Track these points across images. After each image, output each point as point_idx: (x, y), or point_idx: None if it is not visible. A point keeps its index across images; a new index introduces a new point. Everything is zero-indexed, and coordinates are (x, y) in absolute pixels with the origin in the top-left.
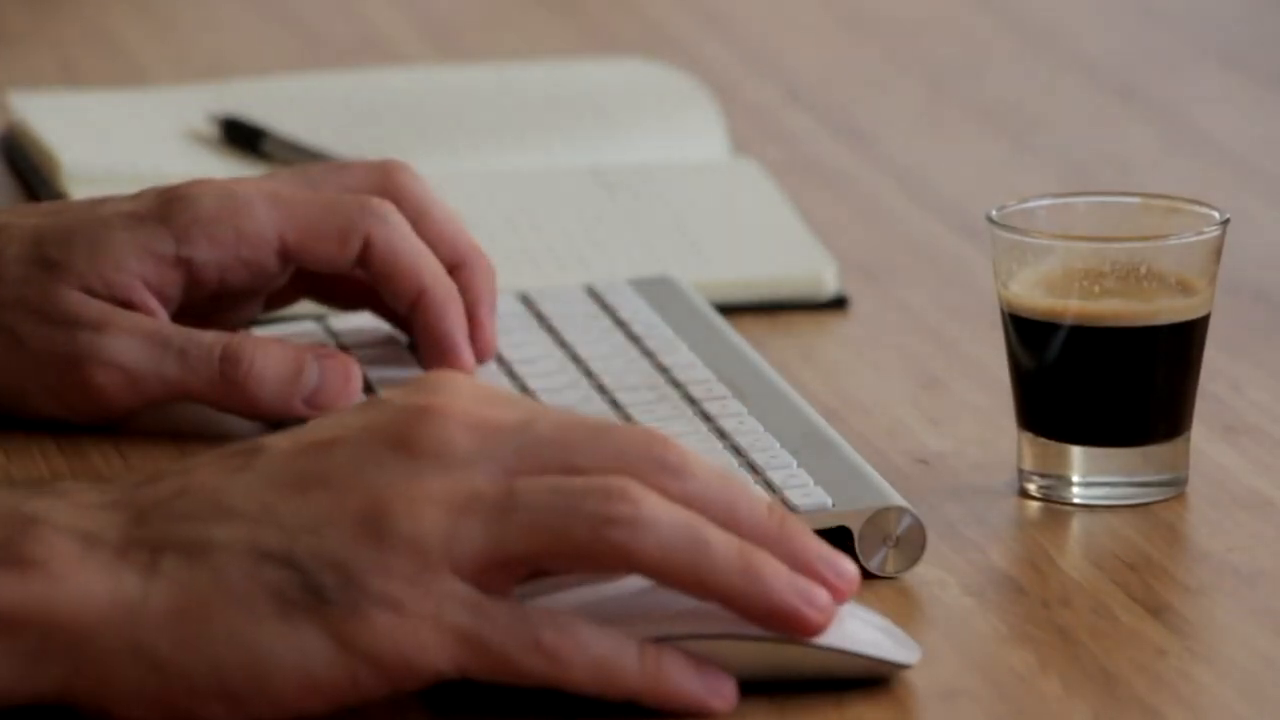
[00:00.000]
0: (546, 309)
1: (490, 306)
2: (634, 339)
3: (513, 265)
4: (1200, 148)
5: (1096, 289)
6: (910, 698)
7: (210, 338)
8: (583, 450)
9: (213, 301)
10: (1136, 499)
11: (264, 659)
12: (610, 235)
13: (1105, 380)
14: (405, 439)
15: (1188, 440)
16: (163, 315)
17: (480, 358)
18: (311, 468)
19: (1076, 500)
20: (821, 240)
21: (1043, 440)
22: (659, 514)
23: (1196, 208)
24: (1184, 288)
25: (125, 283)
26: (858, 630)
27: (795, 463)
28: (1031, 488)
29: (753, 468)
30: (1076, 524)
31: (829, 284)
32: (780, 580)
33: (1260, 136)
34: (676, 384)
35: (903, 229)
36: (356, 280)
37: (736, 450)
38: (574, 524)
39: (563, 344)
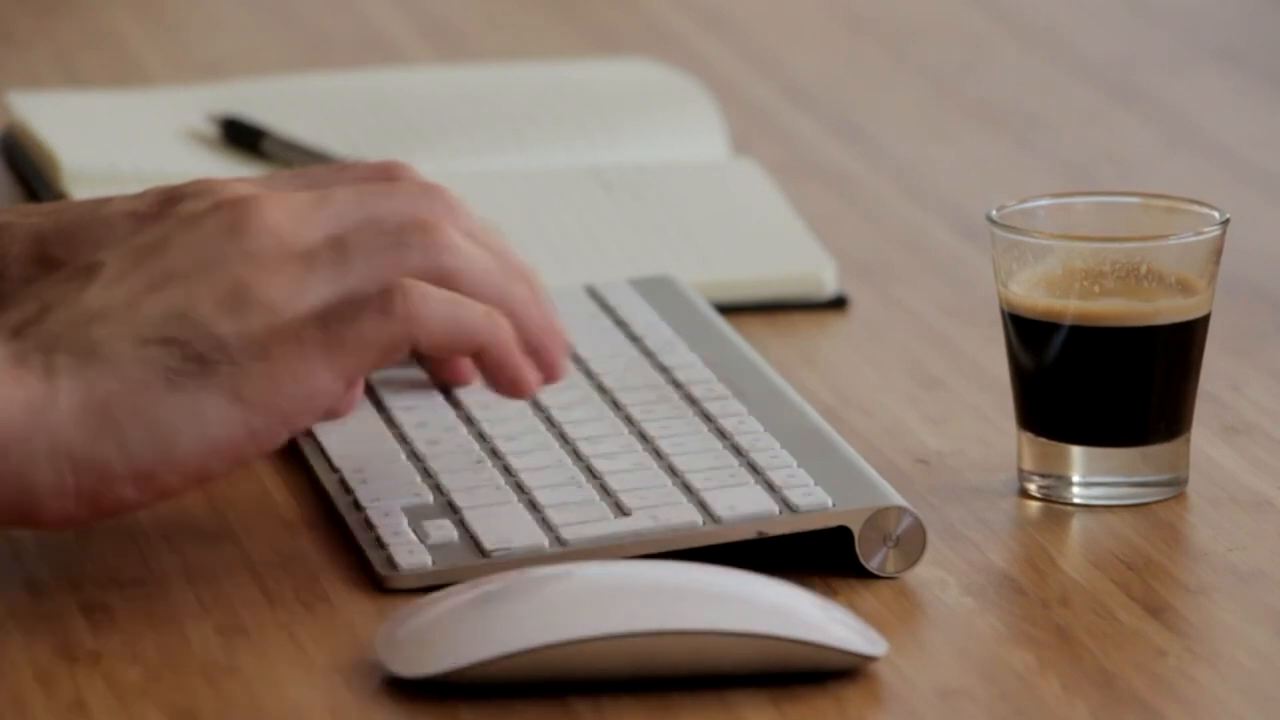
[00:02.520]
0: None
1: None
2: (634, 339)
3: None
4: (1200, 148)
5: (1096, 289)
6: (910, 697)
7: None
8: (380, 204)
9: None
10: (1136, 499)
11: (165, 432)
12: (610, 235)
13: (1105, 380)
14: (232, 226)
15: (1188, 440)
16: None
17: (554, 378)
18: (156, 268)
19: (1076, 500)
20: (821, 240)
21: (1043, 440)
22: (464, 241)
23: (1196, 208)
24: (1184, 288)
25: None
26: (832, 627)
27: (795, 463)
28: (1031, 488)
29: (753, 468)
30: (1076, 524)
31: (829, 284)
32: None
33: (1260, 136)
34: (676, 384)
35: (903, 229)
36: None
37: (736, 450)
38: (408, 255)
39: None
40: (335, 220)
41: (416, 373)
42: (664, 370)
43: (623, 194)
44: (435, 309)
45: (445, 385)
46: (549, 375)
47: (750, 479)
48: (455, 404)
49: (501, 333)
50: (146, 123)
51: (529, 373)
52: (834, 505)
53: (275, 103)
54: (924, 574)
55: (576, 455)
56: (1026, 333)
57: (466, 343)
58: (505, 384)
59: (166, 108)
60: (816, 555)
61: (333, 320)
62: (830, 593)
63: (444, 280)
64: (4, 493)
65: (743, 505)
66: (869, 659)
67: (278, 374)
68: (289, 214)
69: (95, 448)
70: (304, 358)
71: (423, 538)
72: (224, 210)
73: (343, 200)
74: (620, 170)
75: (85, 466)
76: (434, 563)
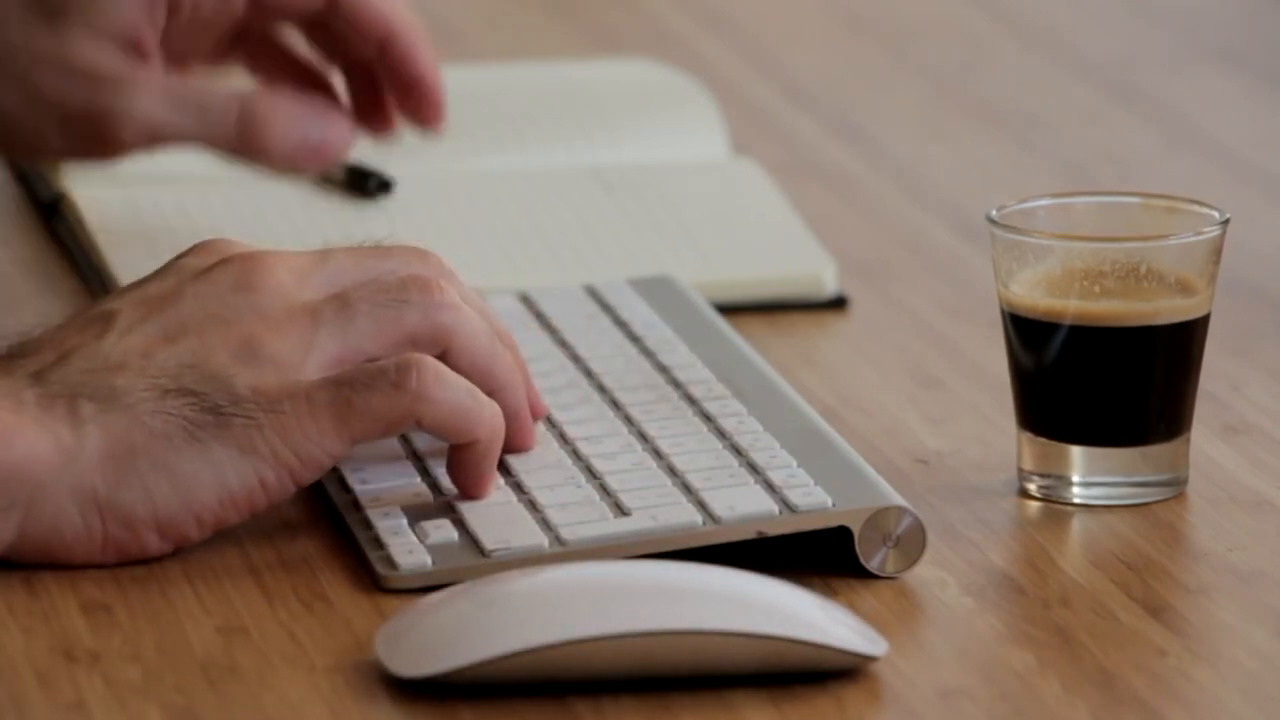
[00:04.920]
0: (546, 309)
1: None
2: (634, 339)
3: (513, 265)
4: (1200, 148)
5: (1096, 289)
6: (910, 697)
7: (227, 94)
8: (378, 263)
9: (180, 37)
10: (1136, 499)
11: (186, 481)
12: (610, 235)
13: (1105, 380)
14: (243, 281)
15: (1188, 440)
16: (159, 60)
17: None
18: (170, 320)
19: (1076, 500)
20: (821, 240)
21: (1043, 440)
22: (460, 301)
23: (1196, 208)
24: (1184, 288)
25: (129, 19)
26: (832, 627)
27: (795, 463)
28: (1031, 488)
29: (753, 468)
30: (1076, 524)
31: (828, 284)
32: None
33: (1260, 136)
34: (676, 384)
35: (903, 229)
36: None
37: (736, 450)
38: (407, 311)
39: (563, 344)
40: (336, 278)
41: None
42: (664, 370)
43: (623, 194)
44: (449, 395)
45: None
46: (522, 444)
47: (750, 479)
48: None
49: (497, 437)
50: None
51: (492, 482)
52: (834, 505)
53: None
54: (924, 574)
55: (576, 455)
56: (1026, 333)
57: (466, 435)
58: (470, 483)
59: None
60: (816, 555)
61: (345, 386)
62: (830, 593)
63: (441, 338)
64: (34, 534)
65: (742, 505)
66: (869, 659)
67: (289, 430)
68: (293, 272)
69: (120, 494)
70: (314, 419)
71: (422, 538)
72: (234, 265)
73: (342, 259)
74: (620, 170)
75: (111, 513)
76: (434, 563)
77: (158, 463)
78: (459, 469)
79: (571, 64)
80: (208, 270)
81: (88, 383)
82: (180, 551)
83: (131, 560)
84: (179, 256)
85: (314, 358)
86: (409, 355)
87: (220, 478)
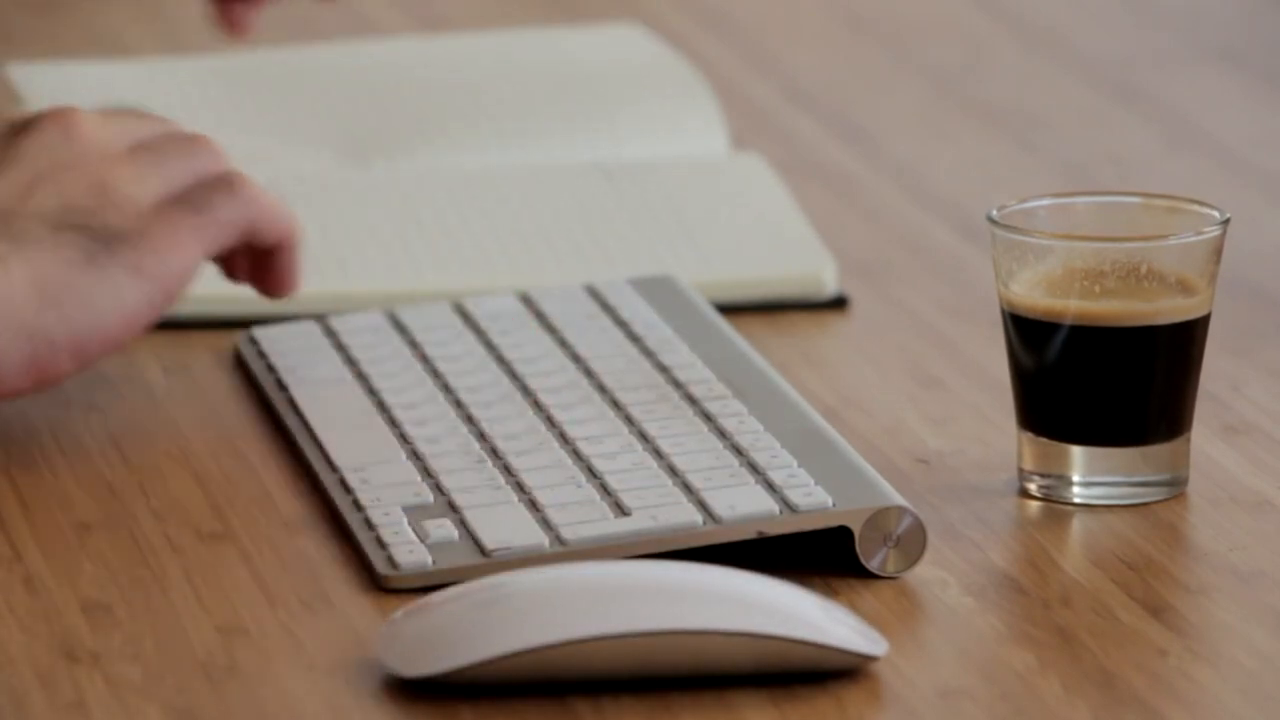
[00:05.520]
0: (546, 309)
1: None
2: (634, 339)
3: (513, 264)
4: (1200, 148)
5: (1097, 289)
6: (910, 697)
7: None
8: (152, 125)
9: None
10: (1136, 499)
11: (95, 304)
12: (611, 233)
13: (1105, 380)
14: (66, 132)
15: (1188, 440)
16: None
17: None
18: (23, 172)
19: (1076, 500)
20: (822, 239)
21: (1043, 440)
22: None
23: (1196, 207)
24: (1184, 288)
25: None
26: (832, 627)
27: (795, 463)
28: (1031, 488)
29: (753, 468)
30: (1076, 524)
31: (829, 284)
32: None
33: (1260, 136)
34: (676, 384)
35: (903, 229)
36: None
37: (737, 450)
38: (199, 155)
39: (563, 344)
40: (129, 132)
41: (410, 365)
42: (664, 370)
43: (624, 185)
44: (269, 197)
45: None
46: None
47: (750, 479)
48: (456, 403)
49: (299, 229)
50: (139, 94)
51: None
52: (834, 505)
53: (272, 77)
54: (924, 574)
55: (576, 455)
56: (1027, 333)
57: (287, 230)
58: (290, 280)
59: (161, 79)
60: (816, 555)
61: (192, 204)
62: (830, 593)
63: (232, 167)
64: None
65: (743, 505)
66: (869, 659)
67: (162, 250)
68: (97, 124)
69: (42, 320)
70: (177, 236)
71: (423, 537)
72: (52, 120)
73: (123, 118)
74: (621, 165)
75: (36, 338)
76: (434, 563)
77: (69, 286)
78: (279, 268)
79: (555, 35)
80: (26, 128)
81: None
82: (180, 552)
83: (46, 385)
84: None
85: (149, 190)
86: (227, 169)
87: (119, 299)
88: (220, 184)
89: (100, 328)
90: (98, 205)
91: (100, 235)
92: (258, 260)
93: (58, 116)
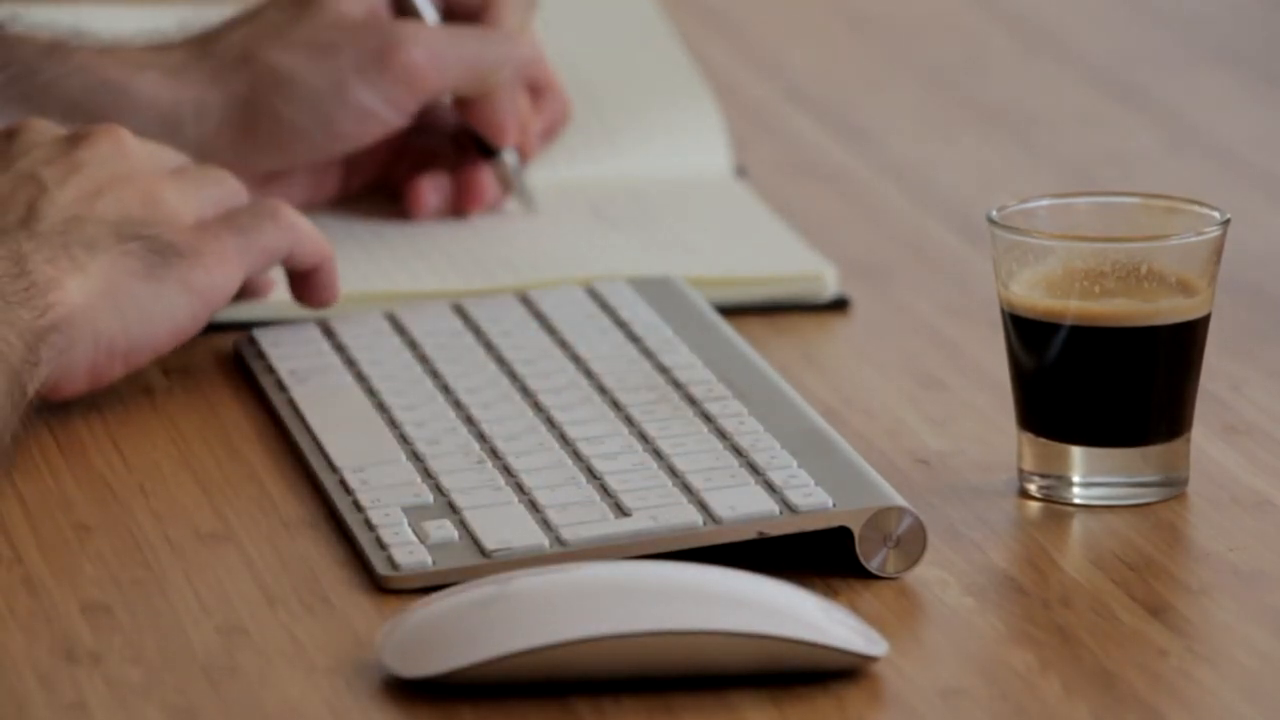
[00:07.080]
0: (546, 309)
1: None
2: (634, 339)
3: (513, 265)
4: (1200, 148)
5: (1097, 289)
6: (910, 697)
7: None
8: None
9: None
10: (1136, 499)
11: (151, 315)
12: (610, 242)
13: (1105, 380)
14: (116, 149)
15: (1188, 440)
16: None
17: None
18: (86, 180)
19: (1076, 500)
20: (822, 241)
21: (1043, 440)
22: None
23: (1196, 208)
24: (1184, 288)
25: None
26: (832, 628)
27: (796, 463)
28: (1031, 488)
29: (753, 468)
30: (1076, 524)
31: (829, 285)
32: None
33: (1260, 136)
34: (677, 384)
35: (903, 229)
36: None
37: (737, 450)
38: (226, 178)
39: (563, 344)
40: (167, 155)
41: (417, 371)
42: (664, 370)
43: (620, 221)
44: (307, 224)
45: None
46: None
47: (750, 479)
48: (456, 404)
49: (332, 253)
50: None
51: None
52: (834, 505)
53: None
54: (924, 574)
55: (576, 455)
56: (1027, 333)
57: (324, 253)
58: (331, 293)
59: (152, 24)
60: (816, 555)
61: (239, 227)
62: (830, 593)
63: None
64: (56, 372)
65: (743, 505)
66: (869, 659)
67: (210, 267)
68: (140, 143)
69: (108, 326)
70: (224, 255)
71: (423, 538)
72: (99, 134)
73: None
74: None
75: (100, 344)
76: (434, 563)
77: (134, 298)
78: (320, 285)
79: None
80: (79, 140)
81: (69, 232)
82: (180, 552)
83: (97, 387)
84: (9, 135)
85: (191, 210)
86: (266, 199)
87: (171, 312)
88: (265, 211)
89: (152, 337)
90: (151, 218)
91: (155, 247)
92: (295, 278)
93: (108, 131)
